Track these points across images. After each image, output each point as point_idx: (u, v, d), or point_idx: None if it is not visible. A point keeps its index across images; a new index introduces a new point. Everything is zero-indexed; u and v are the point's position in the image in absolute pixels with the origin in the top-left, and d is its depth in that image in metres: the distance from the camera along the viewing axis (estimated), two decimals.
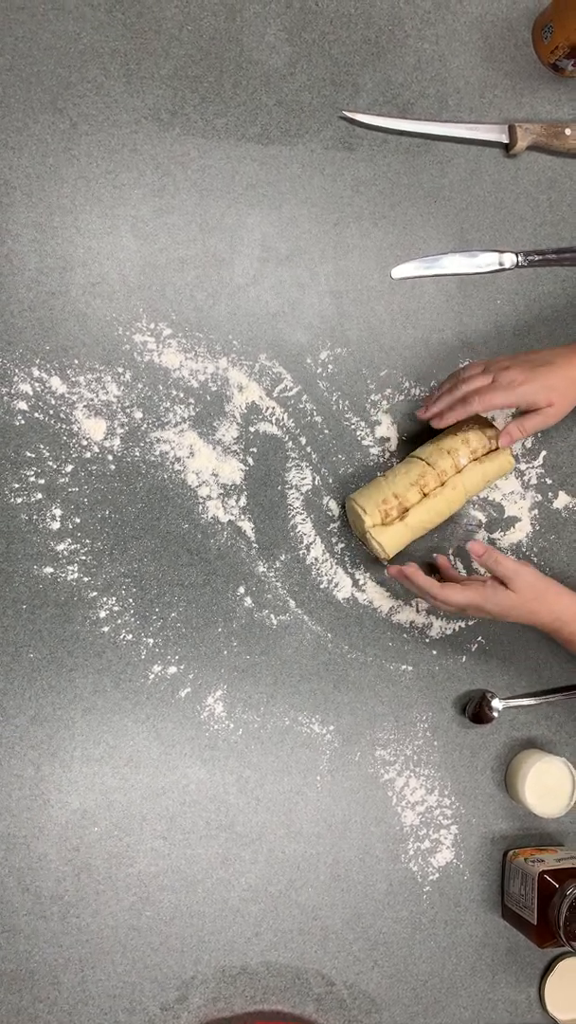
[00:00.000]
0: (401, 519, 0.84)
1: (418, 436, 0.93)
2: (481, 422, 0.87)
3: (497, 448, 0.86)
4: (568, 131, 0.95)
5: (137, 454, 0.86)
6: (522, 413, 0.85)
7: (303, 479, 0.90)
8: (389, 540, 0.84)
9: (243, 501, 0.88)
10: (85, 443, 0.85)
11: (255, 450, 0.89)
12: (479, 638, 0.94)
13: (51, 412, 0.84)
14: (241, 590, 0.88)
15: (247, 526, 0.88)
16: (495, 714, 0.92)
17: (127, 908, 0.84)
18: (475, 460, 0.86)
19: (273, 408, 0.89)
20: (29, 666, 0.83)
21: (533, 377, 0.81)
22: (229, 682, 0.87)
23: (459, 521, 0.94)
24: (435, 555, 0.90)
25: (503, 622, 0.94)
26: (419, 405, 0.92)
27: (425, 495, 0.85)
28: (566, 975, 0.93)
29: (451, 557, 0.94)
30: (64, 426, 0.85)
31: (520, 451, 0.96)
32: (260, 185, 0.89)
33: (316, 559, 0.90)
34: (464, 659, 0.93)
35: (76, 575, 0.84)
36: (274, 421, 0.89)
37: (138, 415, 0.86)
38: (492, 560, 0.81)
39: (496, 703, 0.92)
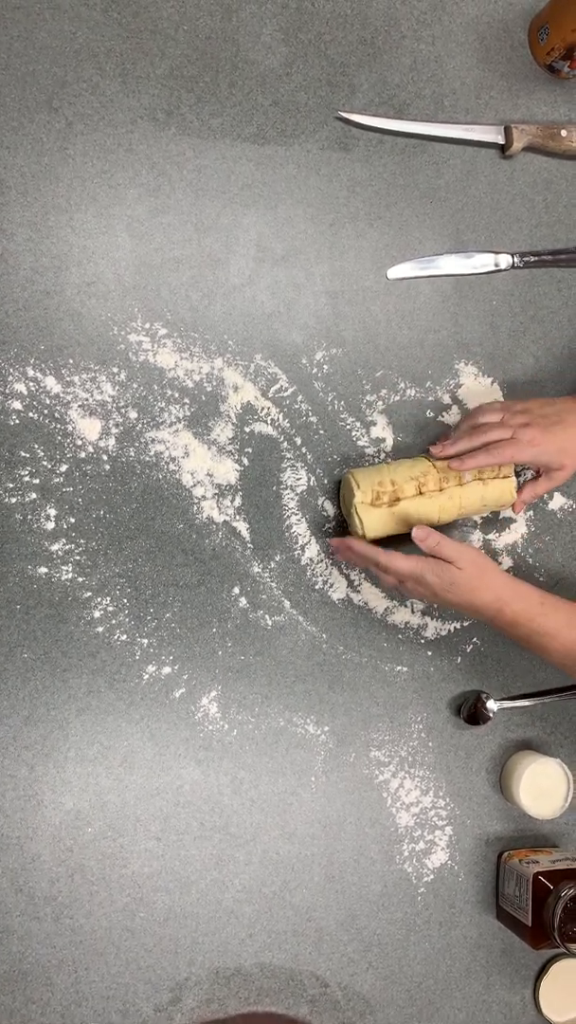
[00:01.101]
0: (390, 506, 0.84)
1: (415, 437, 0.93)
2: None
3: (506, 476, 0.86)
4: (564, 132, 0.95)
5: (132, 454, 0.86)
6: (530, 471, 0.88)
7: (298, 479, 0.90)
8: (371, 522, 0.84)
9: (238, 501, 0.88)
10: (80, 443, 0.85)
11: (250, 450, 0.89)
12: (474, 639, 0.94)
13: (46, 412, 0.84)
14: (236, 590, 0.88)
15: (242, 526, 0.88)
16: (490, 715, 0.92)
17: (121, 909, 0.84)
18: (479, 480, 0.86)
19: (268, 408, 0.89)
20: (23, 666, 0.83)
21: (549, 439, 0.83)
22: (224, 683, 0.87)
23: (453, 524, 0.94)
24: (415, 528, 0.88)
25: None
26: (417, 406, 0.92)
27: (420, 493, 0.84)
28: (561, 977, 0.93)
29: None
30: (59, 426, 0.84)
31: None
32: (256, 185, 0.89)
33: (311, 560, 0.90)
34: (459, 660, 0.93)
35: (70, 575, 0.84)
36: (269, 421, 0.89)
37: (133, 415, 0.86)
38: (435, 543, 0.80)
39: (491, 704, 0.92)
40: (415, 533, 0.81)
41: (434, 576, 0.81)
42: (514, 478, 0.87)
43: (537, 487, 0.88)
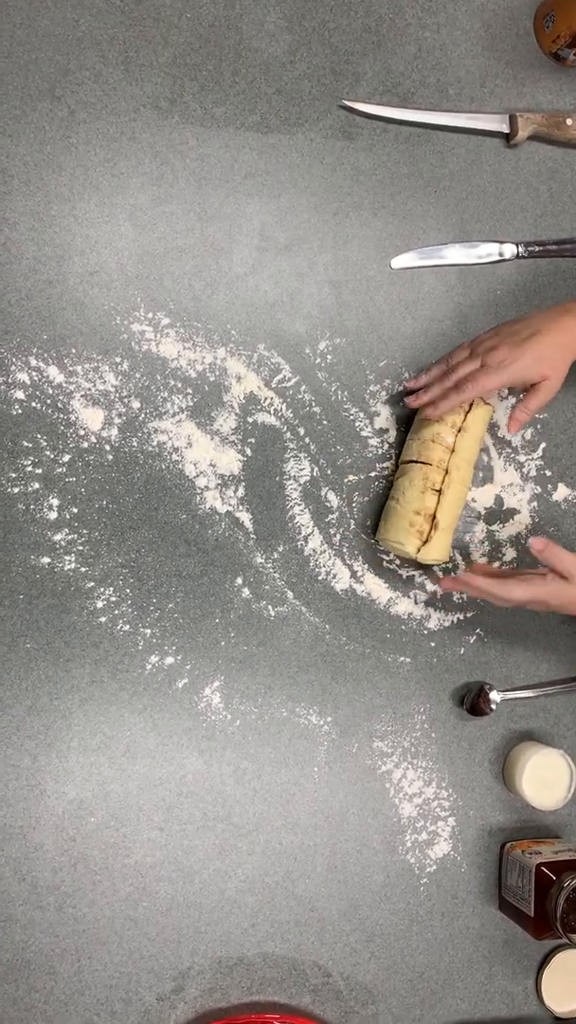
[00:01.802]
0: (435, 528, 0.84)
1: None
2: None
3: (471, 407, 0.86)
4: (569, 121, 0.94)
5: (135, 444, 0.86)
6: (521, 393, 0.85)
7: (301, 470, 0.90)
8: (438, 553, 0.85)
9: (241, 492, 0.88)
10: (83, 433, 0.85)
11: (253, 440, 0.89)
12: (477, 630, 0.94)
13: (48, 402, 0.84)
14: (239, 581, 0.88)
15: (245, 517, 0.88)
16: (493, 706, 0.92)
17: (124, 898, 0.84)
18: (460, 431, 0.85)
19: (271, 398, 0.89)
20: (26, 656, 0.83)
21: (522, 352, 0.80)
22: (227, 673, 0.87)
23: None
24: (472, 566, 0.88)
25: (506, 616, 0.94)
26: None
27: (440, 492, 0.85)
28: (563, 967, 0.93)
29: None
30: (61, 416, 0.84)
31: (519, 443, 0.95)
32: (259, 174, 0.89)
33: (314, 550, 0.90)
34: (462, 651, 0.93)
35: (73, 565, 0.84)
36: (272, 411, 0.89)
37: (136, 405, 0.86)
38: (553, 556, 0.79)
39: (494, 695, 0.92)
40: (533, 544, 0.79)
41: (555, 600, 0.80)
42: (482, 402, 0.86)
43: (527, 403, 0.82)
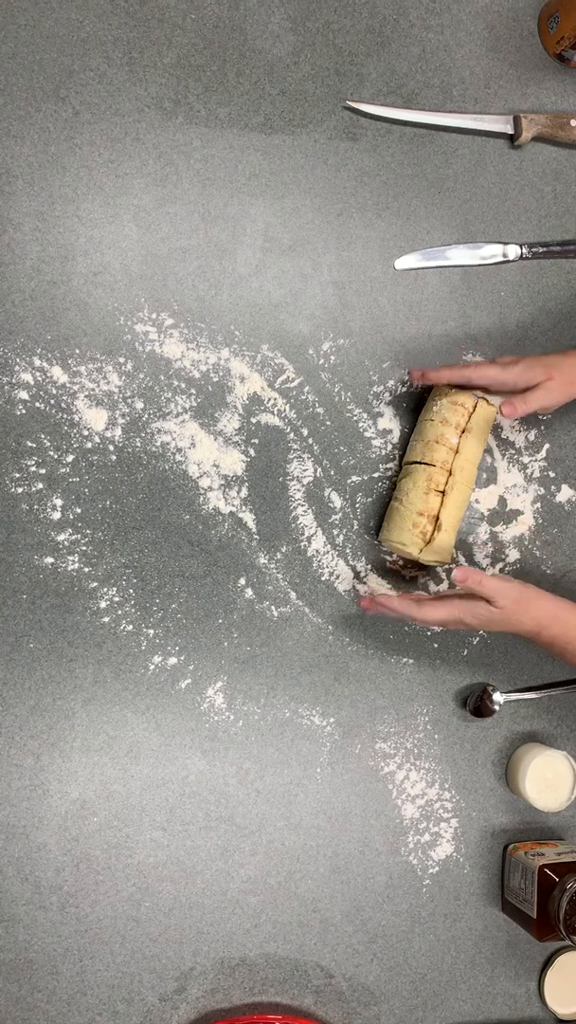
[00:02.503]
0: (438, 529, 0.85)
1: None
2: (449, 395, 0.87)
3: (475, 408, 0.86)
4: (573, 122, 0.94)
5: (138, 444, 0.86)
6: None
7: (305, 471, 0.90)
8: (441, 554, 0.86)
9: (244, 492, 0.88)
10: (86, 433, 0.85)
11: (256, 441, 0.89)
12: (480, 631, 0.93)
13: (52, 402, 0.84)
14: (242, 581, 0.88)
15: (248, 517, 0.88)
16: (496, 708, 0.92)
17: (126, 899, 0.84)
18: (463, 432, 0.86)
19: (275, 399, 0.89)
20: (29, 656, 0.83)
21: (535, 363, 0.83)
22: (229, 673, 0.87)
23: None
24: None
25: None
26: (424, 398, 0.92)
27: (443, 492, 0.85)
28: (566, 969, 0.93)
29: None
30: (65, 416, 0.84)
31: (523, 444, 0.95)
32: (263, 175, 0.89)
33: (317, 551, 0.90)
34: (465, 652, 0.93)
35: (77, 565, 0.84)
36: (276, 412, 0.89)
37: (139, 405, 0.86)
38: (476, 583, 0.78)
39: (497, 696, 0.92)
40: (456, 576, 0.78)
41: (472, 619, 0.80)
42: (486, 403, 0.86)
43: (527, 396, 0.83)
